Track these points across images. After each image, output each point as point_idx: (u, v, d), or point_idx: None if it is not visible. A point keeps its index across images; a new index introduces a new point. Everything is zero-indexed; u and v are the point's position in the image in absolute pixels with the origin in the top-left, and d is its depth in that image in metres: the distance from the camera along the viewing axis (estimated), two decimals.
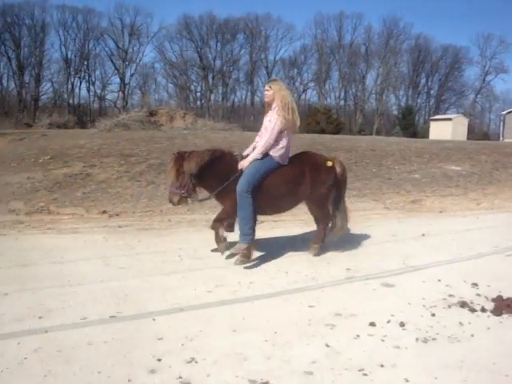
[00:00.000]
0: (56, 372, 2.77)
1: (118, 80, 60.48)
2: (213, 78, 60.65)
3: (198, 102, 60.85)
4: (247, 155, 5.01)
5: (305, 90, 63.04)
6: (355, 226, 6.39)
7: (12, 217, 6.81)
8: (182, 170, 4.76)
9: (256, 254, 5.25)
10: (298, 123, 5.03)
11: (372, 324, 3.49)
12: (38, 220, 6.87)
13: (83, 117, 49.50)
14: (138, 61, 60.68)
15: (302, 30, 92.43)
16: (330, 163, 5.23)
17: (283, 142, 4.88)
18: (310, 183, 5.02)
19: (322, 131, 34.38)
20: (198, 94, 62.41)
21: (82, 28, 58.24)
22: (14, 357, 2.93)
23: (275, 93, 4.88)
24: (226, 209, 4.97)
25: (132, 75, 60.41)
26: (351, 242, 5.92)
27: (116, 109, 51.70)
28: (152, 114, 23.82)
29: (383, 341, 3.23)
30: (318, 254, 5.30)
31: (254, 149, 5.08)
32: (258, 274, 4.70)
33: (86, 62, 59.15)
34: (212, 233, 5.10)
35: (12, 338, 3.18)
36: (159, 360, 2.91)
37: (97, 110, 56.82)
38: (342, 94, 62.81)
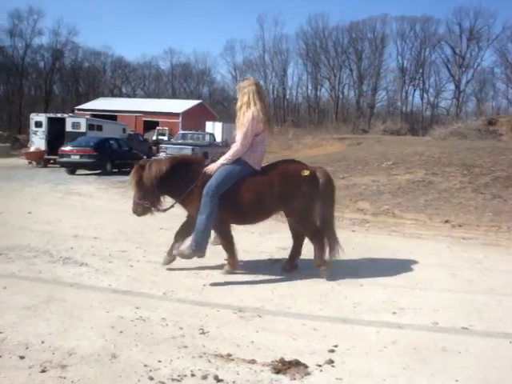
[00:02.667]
0: (414, 367, 2.93)
1: (452, 87, 59.03)
2: None
3: None
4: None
5: None
6: None
7: (360, 215, 7.50)
8: (143, 181, 4.71)
9: None
10: (273, 125, 4.80)
11: None
12: (383, 221, 7.38)
13: (415, 124, 50.14)
14: (475, 66, 57.78)
15: None
16: (306, 172, 4.64)
17: (257, 147, 4.62)
18: (278, 193, 4.55)
19: None
20: None
21: (419, 36, 59.56)
22: (375, 343, 3.25)
23: (239, 95, 4.70)
24: (192, 215, 4.73)
25: (468, 81, 57.85)
26: None
27: (449, 116, 50.32)
28: (491, 122, 22.39)
29: None
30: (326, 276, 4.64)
31: None
32: None
33: (420, 70, 60.02)
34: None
35: (371, 327, 3.54)
36: None
37: (428, 118, 56.75)
38: None
